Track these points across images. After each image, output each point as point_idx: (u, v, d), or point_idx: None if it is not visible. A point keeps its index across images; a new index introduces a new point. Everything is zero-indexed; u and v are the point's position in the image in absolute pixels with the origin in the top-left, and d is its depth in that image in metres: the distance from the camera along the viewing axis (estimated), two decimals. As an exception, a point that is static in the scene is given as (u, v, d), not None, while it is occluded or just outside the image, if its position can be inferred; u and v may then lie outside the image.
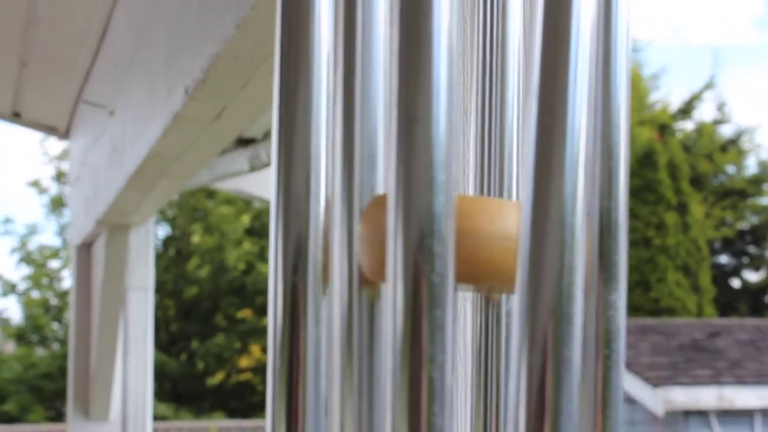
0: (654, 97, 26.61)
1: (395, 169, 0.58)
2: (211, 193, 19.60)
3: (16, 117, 4.62)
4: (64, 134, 4.82)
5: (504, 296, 0.76)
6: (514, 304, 0.60)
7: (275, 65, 0.67)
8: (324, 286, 0.65)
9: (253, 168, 4.26)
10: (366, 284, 0.69)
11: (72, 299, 4.53)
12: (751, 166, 26.84)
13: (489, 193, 0.79)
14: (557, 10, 0.62)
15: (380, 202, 0.68)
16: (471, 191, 0.80)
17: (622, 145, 0.69)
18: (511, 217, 0.67)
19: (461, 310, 0.96)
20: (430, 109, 0.58)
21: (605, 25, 0.71)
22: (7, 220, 20.77)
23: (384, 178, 0.73)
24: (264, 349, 19.97)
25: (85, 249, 4.48)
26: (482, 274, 0.66)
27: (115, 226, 3.86)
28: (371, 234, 0.67)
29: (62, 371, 18.36)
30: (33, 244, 20.71)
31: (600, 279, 0.67)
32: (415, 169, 0.57)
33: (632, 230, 21.03)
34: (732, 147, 26.25)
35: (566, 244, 0.58)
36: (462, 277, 0.65)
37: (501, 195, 0.78)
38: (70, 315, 4.54)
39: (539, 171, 0.59)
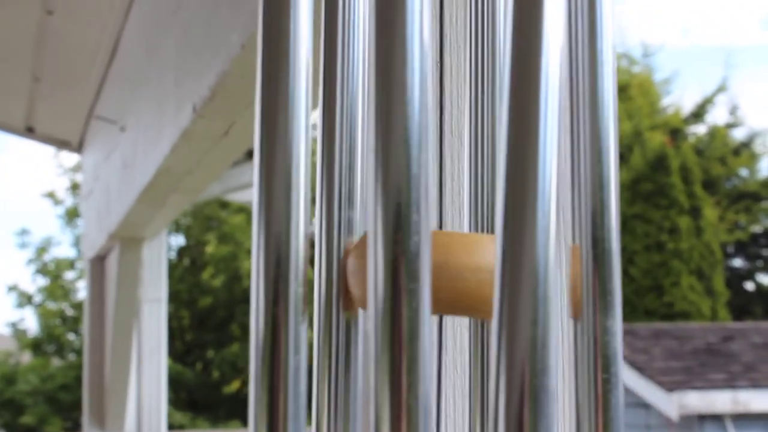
0: (666, 101, 26.56)
1: (372, 209, 0.61)
2: (224, 203, 19.62)
3: (29, 132, 4.67)
4: (77, 148, 4.86)
5: None
6: (491, 333, 0.62)
7: (255, 110, 0.70)
8: (304, 315, 0.67)
9: (264, 180, 4.28)
10: (346, 309, 0.72)
11: (86, 312, 4.56)
12: (764, 169, 26.87)
13: (482, 220, 0.81)
14: (527, 40, 0.64)
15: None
16: (465, 219, 0.83)
17: (612, 178, 0.71)
18: (487, 250, 0.70)
19: (458, 334, 0.99)
20: (404, 153, 0.61)
21: (590, 53, 0.73)
22: (23, 232, 20.83)
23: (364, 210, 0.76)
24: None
25: (99, 262, 4.52)
26: (460, 306, 0.68)
27: (127, 239, 3.89)
28: (360, 266, 0.70)
29: (79, 382, 18.37)
30: (49, 255, 20.77)
31: (596, 306, 0.70)
32: (390, 210, 0.60)
33: (645, 235, 20.99)
34: (745, 150, 26.16)
35: (539, 275, 0.61)
36: (441, 308, 0.67)
37: (494, 223, 0.81)
38: (84, 327, 4.57)
39: (511, 202, 0.62)
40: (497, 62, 0.84)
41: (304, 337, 0.67)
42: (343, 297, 0.72)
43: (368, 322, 0.61)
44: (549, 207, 0.62)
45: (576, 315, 0.71)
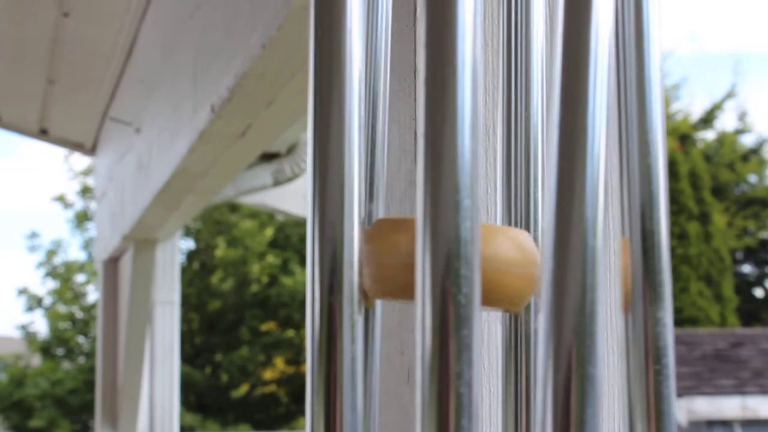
0: (675, 107, 26.54)
1: (423, 196, 0.61)
2: (234, 207, 19.63)
3: (43, 134, 4.68)
4: (91, 151, 4.87)
5: (532, 315, 0.79)
6: (539, 323, 0.62)
7: (309, 102, 0.70)
8: (360, 305, 0.68)
9: (277, 182, 4.29)
10: (365, 299, 0.73)
11: (99, 314, 4.57)
12: (773, 176, 26.72)
13: (515, 215, 0.82)
14: (577, 35, 0.64)
15: (381, 225, 0.72)
16: (498, 214, 0.83)
17: (661, 170, 0.72)
18: (528, 244, 0.70)
19: (491, 327, 1.00)
20: (456, 139, 0.61)
21: (637, 47, 0.73)
22: (33, 235, 20.85)
23: (382, 202, 0.77)
24: (288, 361, 19.98)
25: (112, 264, 4.52)
26: (501, 300, 0.69)
27: (141, 241, 3.90)
28: (374, 255, 0.71)
29: (88, 385, 18.40)
30: (58, 258, 20.80)
31: (646, 297, 0.70)
32: (442, 196, 0.60)
33: (654, 240, 20.93)
34: (754, 156, 26.13)
35: (587, 265, 0.61)
36: (484, 302, 0.68)
37: (528, 218, 0.81)
38: (97, 329, 4.57)
39: (560, 193, 0.62)
40: (532, 58, 0.84)
41: (361, 327, 0.67)
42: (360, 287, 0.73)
43: (417, 306, 0.61)
44: (597, 200, 0.62)
45: (626, 307, 0.71)
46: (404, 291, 0.69)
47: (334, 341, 0.66)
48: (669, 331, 0.70)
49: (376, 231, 0.71)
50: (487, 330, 1.01)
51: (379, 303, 0.76)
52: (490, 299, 0.69)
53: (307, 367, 0.67)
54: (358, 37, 0.71)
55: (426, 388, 0.60)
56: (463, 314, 0.60)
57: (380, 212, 0.78)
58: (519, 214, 0.82)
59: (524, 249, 0.71)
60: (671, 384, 0.70)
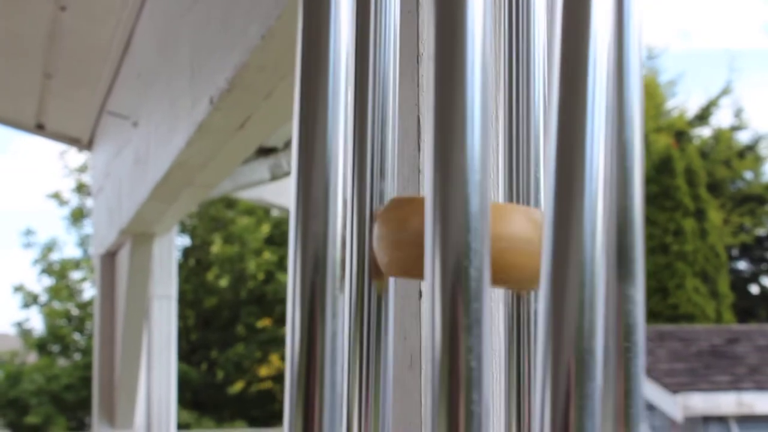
0: (671, 103, 26.57)
1: (433, 171, 0.61)
2: (230, 203, 19.65)
3: (39, 129, 4.67)
4: (87, 145, 4.86)
5: (533, 295, 0.79)
6: (539, 299, 0.62)
7: (296, 70, 0.70)
8: (341, 282, 0.68)
9: (274, 177, 4.29)
10: (376, 278, 0.73)
11: (96, 308, 4.56)
12: (769, 172, 26.79)
13: (518, 198, 0.82)
14: (576, 25, 0.65)
15: (398, 204, 0.73)
16: (501, 197, 0.83)
17: (637, 144, 0.71)
18: (536, 222, 0.70)
19: (495, 307, 1.00)
20: (465, 112, 0.61)
21: (618, 32, 0.73)
22: (29, 232, 20.86)
23: (395, 182, 0.77)
24: (284, 358, 19.99)
25: (109, 258, 4.51)
26: (512, 279, 0.69)
27: (138, 235, 3.89)
28: (387, 233, 0.71)
29: (84, 381, 18.41)
30: (54, 255, 20.81)
31: (618, 274, 0.70)
32: (452, 171, 0.60)
33: (650, 237, 20.98)
34: (749, 153, 26.17)
35: (586, 243, 0.61)
36: (494, 281, 0.68)
37: (529, 199, 0.81)
38: (95, 324, 4.57)
39: (560, 173, 0.62)
40: (532, 42, 0.85)
41: (342, 304, 0.67)
42: (373, 266, 0.73)
43: (426, 281, 0.61)
44: (598, 177, 0.63)
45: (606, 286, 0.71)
46: (418, 267, 0.69)
47: (314, 318, 0.66)
48: (639, 310, 0.70)
49: (390, 209, 0.72)
50: (495, 309, 1.01)
51: (392, 287, 0.77)
52: (501, 278, 0.69)
53: (287, 343, 0.67)
54: (347, 17, 0.71)
55: (436, 362, 0.60)
56: (474, 288, 0.60)
57: (393, 192, 0.79)
58: (522, 198, 0.82)
59: (537, 227, 0.71)
60: (640, 363, 0.69)
